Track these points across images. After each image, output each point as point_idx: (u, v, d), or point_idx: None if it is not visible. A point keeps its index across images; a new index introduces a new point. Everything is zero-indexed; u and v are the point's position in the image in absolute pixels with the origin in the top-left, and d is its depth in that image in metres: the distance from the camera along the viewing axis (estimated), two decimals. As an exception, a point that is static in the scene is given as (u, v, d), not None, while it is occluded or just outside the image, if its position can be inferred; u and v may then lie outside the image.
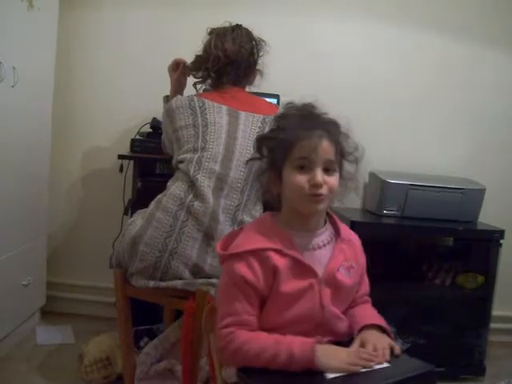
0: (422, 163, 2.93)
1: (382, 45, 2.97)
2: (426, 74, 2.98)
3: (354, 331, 1.34)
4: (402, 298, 2.65)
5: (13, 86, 2.29)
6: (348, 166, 1.42)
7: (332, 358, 1.19)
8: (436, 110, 3.01)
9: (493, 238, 2.55)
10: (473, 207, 2.68)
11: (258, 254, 1.28)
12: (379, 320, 1.37)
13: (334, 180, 1.32)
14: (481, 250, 2.67)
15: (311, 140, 1.30)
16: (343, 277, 1.34)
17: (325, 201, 1.31)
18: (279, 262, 1.28)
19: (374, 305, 1.44)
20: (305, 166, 1.30)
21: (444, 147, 3.02)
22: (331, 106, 2.90)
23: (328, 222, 1.43)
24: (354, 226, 2.46)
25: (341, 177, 1.37)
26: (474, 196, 2.66)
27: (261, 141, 1.45)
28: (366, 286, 1.47)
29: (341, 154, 1.37)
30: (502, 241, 2.55)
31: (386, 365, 1.22)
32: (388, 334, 1.34)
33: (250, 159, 1.61)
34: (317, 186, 1.28)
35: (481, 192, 2.67)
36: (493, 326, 2.66)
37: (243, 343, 1.23)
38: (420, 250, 2.85)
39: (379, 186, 2.64)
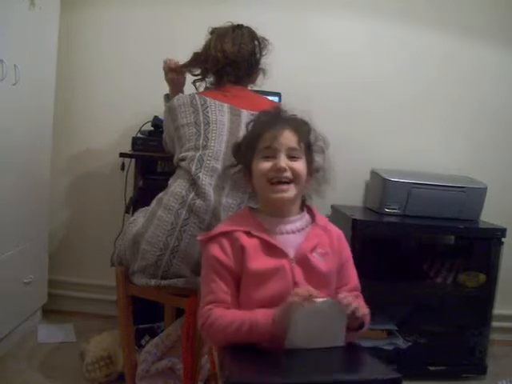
0: (423, 161, 2.93)
1: (383, 44, 2.96)
2: (428, 72, 2.98)
3: None
4: (404, 297, 2.65)
5: (14, 85, 2.29)
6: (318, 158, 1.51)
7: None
8: (438, 108, 3.01)
9: (494, 236, 2.55)
10: (475, 206, 2.67)
11: (228, 235, 1.41)
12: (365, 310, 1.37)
13: (298, 164, 1.42)
14: (482, 248, 2.67)
15: (273, 130, 1.42)
16: (316, 260, 1.39)
17: (292, 187, 1.42)
18: (247, 242, 1.39)
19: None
20: (270, 156, 1.42)
21: (446, 145, 3.02)
22: (333, 105, 2.93)
23: (305, 211, 1.52)
24: (355, 224, 2.46)
25: (309, 165, 1.48)
26: (475, 194, 2.66)
27: (235, 147, 1.60)
28: (354, 280, 1.51)
29: (306, 143, 1.48)
30: (503, 239, 2.55)
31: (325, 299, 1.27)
32: (362, 322, 1.36)
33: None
34: (280, 170, 1.39)
35: (483, 190, 2.67)
36: (494, 324, 2.67)
37: (216, 318, 1.33)
38: (422, 249, 2.85)
39: (381, 185, 2.63)
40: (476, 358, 2.61)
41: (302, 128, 1.48)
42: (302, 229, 1.46)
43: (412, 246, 2.86)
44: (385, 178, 2.62)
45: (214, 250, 1.41)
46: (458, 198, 2.63)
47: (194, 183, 1.82)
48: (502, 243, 2.55)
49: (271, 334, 1.25)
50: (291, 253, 1.40)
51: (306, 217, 1.51)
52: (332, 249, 1.45)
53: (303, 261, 1.39)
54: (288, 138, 1.42)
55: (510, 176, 3.04)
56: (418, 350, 2.60)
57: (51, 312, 2.91)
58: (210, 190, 1.81)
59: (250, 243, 1.39)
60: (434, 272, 2.74)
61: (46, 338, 2.64)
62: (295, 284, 1.34)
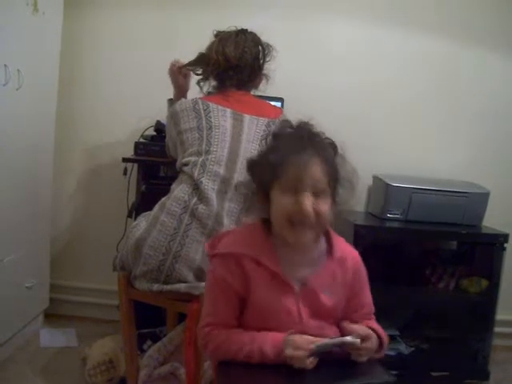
0: (425, 166, 2.93)
1: (385, 48, 2.96)
2: (429, 76, 2.98)
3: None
4: (406, 302, 2.65)
5: (17, 89, 2.30)
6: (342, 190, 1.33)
7: (290, 346, 1.21)
8: (439, 113, 3.01)
9: (497, 241, 2.55)
10: (477, 211, 2.67)
11: (236, 257, 1.29)
12: (383, 333, 1.34)
13: (323, 205, 1.25)
14: (485, 253, 2.66)
15: (300, 161, 1.23)
16: (325, 298, 1.32)
17: (313, 229, 1.26)
18: (254, 271, 1.28)
19: (378, 309, 1.43)
20: (292, 190, 1.23)
21: (448, 150, 3.02)
22: (335, 110, 2.93)
23: (323, 236, 1.37)
24: (357, 229, 2.46)
25: (334, 201, 1.29)
26: (478, 200, 2.65)
27: (251, 163, 1.39)
28: (368, 306, 1.42)
29: (334, 178, 1.29)
30: (506, 245, 2.54)
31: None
32: (381, 343, 1.32)
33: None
34: (304, 214, 1.22)
35: (485, 196, 2.66)
36: (497, 330, 2.65)
37: (221, 343, 1.27)
38: (424, 254, 2.85)
39: (383, 190, 2.63)
40: (478, 364, 2.60)
41: (331, 159, 1.29)
42: (318, 258, 1.34)
43: (414, 251, 2.86)
44: (387, 183, 2.61)
45: (221, 269, 1.30)
46: (460, 203, 2.62)
47: (196, 188, 1.82)
48: (505, 249, 2.54)
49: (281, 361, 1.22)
50: (299, 286, 1.30)
51: (323, 245, 1.37)
52: (344, 283, 1.35)
53: (311, 297, 1.31)
54: (315, 174, 1.23)
55: (512, 180, 3.04)
56: (421, 356, 2.60)
57: (53, 316, 2.91)
58: (212, 195, 1.81)
59: (256, 273, 1.28)
60: (437, 277, 2.73)
61: (47, 343, 2.64)
62: (300, 318, 1.29)
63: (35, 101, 2.52)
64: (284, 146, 1.28)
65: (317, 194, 1.24)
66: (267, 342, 1.23)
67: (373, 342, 1.28)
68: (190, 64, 2.13)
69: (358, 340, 1.24)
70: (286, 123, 1.38)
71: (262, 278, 1.28)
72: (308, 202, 1.22)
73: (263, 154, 1.36)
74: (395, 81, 2.98)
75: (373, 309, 1.43)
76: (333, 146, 1.34)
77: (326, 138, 1.34)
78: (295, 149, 1.25)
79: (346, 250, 1.40)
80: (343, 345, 1.24)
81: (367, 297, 1.42)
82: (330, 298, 1.32)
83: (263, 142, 1.44)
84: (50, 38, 2.63)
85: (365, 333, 1.27)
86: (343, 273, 1.35)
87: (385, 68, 2.97)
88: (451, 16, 2.94)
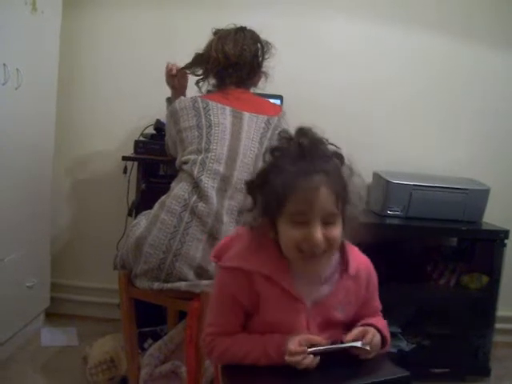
0: (425, 163, 2.93)
1: (385, 46, 2.96)
2: (429, 73, 2.97)
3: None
4: (407, 299, 2.65)
5: (16, 89, 2.30)
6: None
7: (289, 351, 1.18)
8: (439, 110, 3.00)
9: (497, 238, 2.54)
10: (477, 207, 2.66)
11: (247, 273, 1.22)
12: (383, 326, 1.32)
13: (334, 232, 1.17)
14: (485, 250, 2.66)
15: (307, 189, 1.13)
16: (337, 314, 1.29)
17: (325, 257, 1.19)
18: (265, 289, 1.22)
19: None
20: (301, 221, 1.15)
21: (448, 147, 3.01)
22: (335, 107, 2.93)
23: (337, 251, 1.28)
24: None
25: (344, 220, 1.20)
26: (478, 196, 2.65)
27: (251, 185, 1.27)
28: (377, 306, 1.40)
29: (343, 198, 1.19)
30: (506, 241, 2.54)
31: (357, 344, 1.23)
32: (385, 341, 1.31)
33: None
34: (315, 244, 1.14)
35: (485, 192, 2.66)
36: (497, 326, 2.65)
37: (226, 349, 1.25)
38: (424, 251, 2.84)
39: (383, 187, 2.63)
40: (479, 360, 2.60)
41: (339, 177, 1.20)
42: (332, 274, 1.27)
43: (415, 248, 2.86)
44: (387, 180, 2.61)
45: (231, 283, 1.24)
46: (460, 199, 2.62)
47: (196, 186, 1.82)
48: (505, 245, 2.54)
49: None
50: (311, 303, 1.25)
51: (337, 259, 1.29)
52: (357, 297, 1.31)
53: (323, 314, 1.27)
54: (325, 202, 1.14)
55: (512, 177, 3.04)
56: (422, 353, 2.60)
57: (54, 315, 2.91)
58: (212, 193, 1.81)
59: (267, 290, 1.22)
60: (437, 274, 2.73)
61: (48, 342, 2.64)
62: (309, 332, 1.24)
63: (35, 100, 2.52)
64: (286, 167, 1.16)
65: (327, 221, 1.16)
66: (272, 345, 1.21)
67: (373, 335, 1.26)
68: (187, 67, 2.13)
69: (359, 342, 1.22)
70: (284, 134, 1.27)
71: (273, 295, 1.22)
72: (319, 234, 1.14)
73: (263, 174, 1.23)
74: (395, 78, 2.98)
75: (380, 307, 1.41)
76: (338, 155, 1.23)
77: (330, 148, 1.24)
78: (300, 172, 1.14)
79: (361, 266, 1.33)
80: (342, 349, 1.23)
81: (377, 300, 1.40)
82: (342, 313, 1.30)
83: (265, 155, 1.27)
84: (49, 37, 2.63)
85: (361, 332, 1.25)
86: (357, 288, 1.31)
87: (385, 66, 2.97)
88: (452, 14, 2.94)
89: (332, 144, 1.25)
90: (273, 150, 1.25)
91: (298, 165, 1.16)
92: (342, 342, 1.23)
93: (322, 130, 1.24)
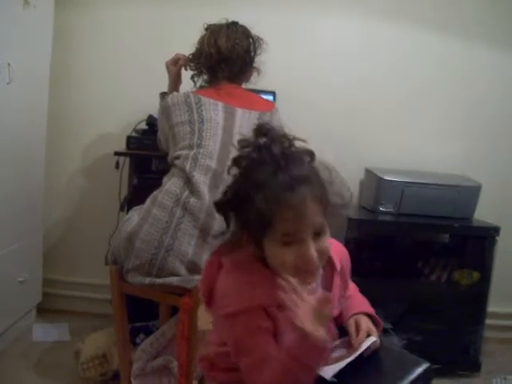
0: (418, 160, 2.93)
1: (378, 41, 2.96)
2: (423, 70, 2.98)
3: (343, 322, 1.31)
4: (398, 295, 2.66)
5: (8, 84, 2.29)
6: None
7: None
8: (432, 107, 3.01)
9: (488, 234, 2.57)
10: (468, 204, 2.68)
11: (260, 307, 1.11)
12: (366, 307, 1.34)
13: (325, 243, 1.11)
14: (476, 246, 2.68)
15: (295, 208, 1.05)
16: (335, 311, 1.27)
17: (318, 269, 1.15)
18: (279, 316, 1.11)
19: (370, 302, 1.43)
20: (292, 241, 1.07)
21: (440, 144, 3.02)
22: (327, 103, 2.93)
23: None
24: (350, 222, 2.46)
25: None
26: (469, 193, 2.67)
27: (221, 205, 1.18)
28: (351, 284, 1.39)
29: (326, 201, 1.12)
30: (497, 237, 2.56)
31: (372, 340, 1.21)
32: (374, 320, 1.32)
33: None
34: (308, 263, 1.08)
35: (476, 189, 2.67)
36: (488, 322, 2.67)
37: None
38: (416, 247, 2.85)
39: (375, 183, 2.64)
40: (470, 356, 2.62)
41: (320, 183, 1.12)
42: (322, 279, 1.23)
43: (406, 244, 2.87)
44: (379, 176, 2.62)
45: (260, 319, 1.10)
46: (452, 196, 2.63)
47: (188, 181, 1.82)
48: (496, 241, 2.56)
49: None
50: None
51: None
52: (344, 288, 1.31)
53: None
54: (313, 214, 1.07)
55: (504, 174, 3.05)
56: (413, 348, 2.58)
57: (46, 311, 2.90)
58: (204, 189, 1.81)
59: (281, 317, 1.10)
60: (429, 270, 2.75)
61: (40, 337, 2.64)
62: None
63: (26, 95, 2.51)
64: (265, 181, 1.07)
65: (317, 234, 1.09)
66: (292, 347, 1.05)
67: (368, 324, 1.27)
68: (192, 60, 2.13)
69: (369, 341, 1.21)
70: (245, 143, 1.17)
71: (286, 321, 1.08)
72: (313, 252, 1.07)
73: (240, 191, 1.13)
74: (388, 75, 2.98)
75: (352, 284, 1.40)
76: (308, 152, 1.16)
77: (298, 146, 1.16)
78: (282, 186, 1.06)
79: (341, 256, 1.30)
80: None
81: (350, 279, 1.37)
82: (338, 308, 1.30)
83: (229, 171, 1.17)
84: (41, 31, 2.62)
85: (363, 332, 1.24)
86: (343, 279, 1.30)
87: (378, 63, 2.97)
88: (447, 11, 2.94)
89: (296, 138, 1.17)
90: (237, 161, 1.16)
91: (277, 177, 1.07)
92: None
93: (280, 121, 1.13)
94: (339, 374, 1.12)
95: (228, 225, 1.17)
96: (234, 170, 1.16)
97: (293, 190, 1.05)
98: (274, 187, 1.06)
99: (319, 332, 1.01)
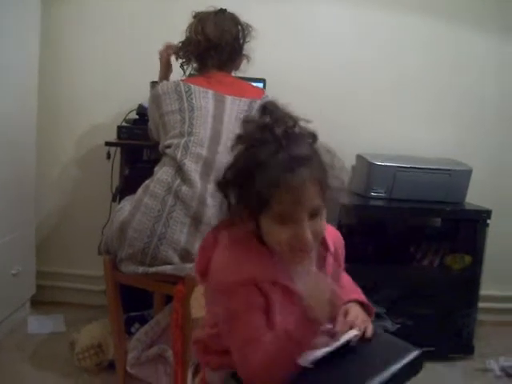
0: (409, 145, 2.94)
1: (369, 28, 2.96)
2: (414, 55, 2.98)
3: None
4: (391, 280, 2.68)
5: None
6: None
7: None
8: (423, 92, 3.02)
9: (480, 218, 2.58)
10: (460, 188, 2.69)
11: (252, 282, 1.11)
12: (357, 294, 1.34)
13: (320, 225, 1.13)
14: (468, 230, 2.70)
15: (293, 190, 1.06)
16: None
17: (313, 249, 1.16)
18: (272, 293, 1.12)
19: (363, 287, 1.44)
20: (287, 220, 1.09)
21: (432, 129, 3.02)
22: (318, 89, 2.92)
23: None
24: (341, 208, 2.46)
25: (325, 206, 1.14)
26: (460, 177, 2.67)
27: (223, 184, 1.17)
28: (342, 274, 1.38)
29: (326, 187, 1.13)
30: (489, 221, 2.58)
31: (354, 333, 1.20)
32: (367, 307, 1.32)
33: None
34: (303, 243, 1.10)
35: (467, 173, 2.68)
36: (481, 305, 2.70)
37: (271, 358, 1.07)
38: (408, 232, 2.87)
39: (366, 169, 2.64)
40: (464, 339, 2.65)
41: (321, 166, 1.13)
42: (319, 259, 1.23)
43: (398, 229, 2.88)
44: (370, 161, 2.62)
45: (248, 295, 1.11)
46: (443, 180, 2.64)
47: (179, 170, 1.82)
48: (488, 225, 2.58)
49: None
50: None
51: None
52: (338, 271, 1.30)
53: None
54: (311, 196, 1.09)
55: (496, 158, 3.06)
56: (407, 332, 2.60)
57: (40, 303, 2.90)
58: (195, 177, 1.81)
59: (275, 295, 1.12)
60: (421, 254, 2.76)
61: (35, 329, 2.64)
62: None
63: (16, 85, 2.50)
64: (266, 161, 1.08)
65: (313, 214, 1.11)
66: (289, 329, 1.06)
67: (357, 313, 1.27)
68: (181, 48, 2.12)
69: (353, 332, 1.20)
70: (249, 118, 1.20)
71: (280, 300, 1.13)
72: (308, 233, 1.09)
73: (243, 170, 1.13)
74: (379, 61, 2.98)
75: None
76: (311, 135, 1.16)
77: (303, 126, 1.16)
78: (282, 166, 1.06)
79: (335, 239, 1.31)
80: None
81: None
82: None
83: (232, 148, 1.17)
84: (29, 22, 2.60)
85: (347, 323, 1.23)
86: (337, 263, 1.30)
87: (369, 48, 2.97)
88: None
89: (302, 119, 1.16)
90: (240, 139, 1.15)
91: (277, 157, 1.07)
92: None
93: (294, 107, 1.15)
94: (319, 361, 1.11)
95: (228, 205, 1.17)
96: (237, 149, 1.16)
97: (292, 171, 1.06)
98: (274, 167, 1.06)
99: (325, 321, 1.05)
